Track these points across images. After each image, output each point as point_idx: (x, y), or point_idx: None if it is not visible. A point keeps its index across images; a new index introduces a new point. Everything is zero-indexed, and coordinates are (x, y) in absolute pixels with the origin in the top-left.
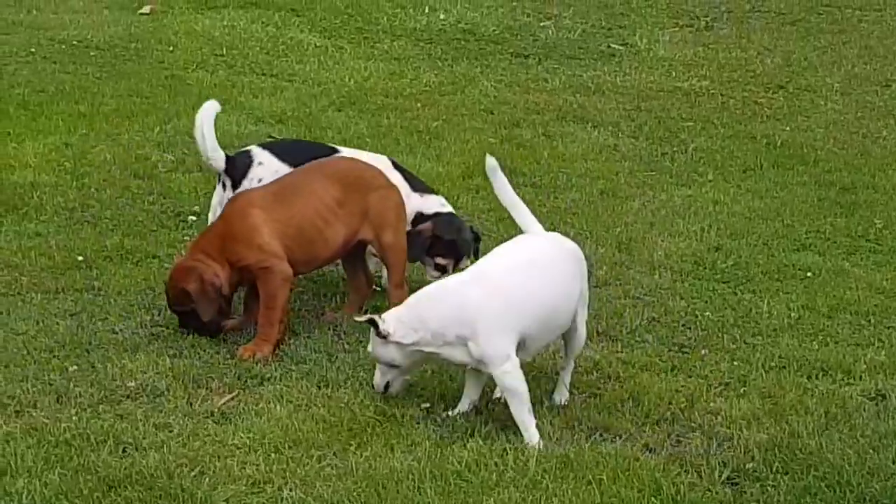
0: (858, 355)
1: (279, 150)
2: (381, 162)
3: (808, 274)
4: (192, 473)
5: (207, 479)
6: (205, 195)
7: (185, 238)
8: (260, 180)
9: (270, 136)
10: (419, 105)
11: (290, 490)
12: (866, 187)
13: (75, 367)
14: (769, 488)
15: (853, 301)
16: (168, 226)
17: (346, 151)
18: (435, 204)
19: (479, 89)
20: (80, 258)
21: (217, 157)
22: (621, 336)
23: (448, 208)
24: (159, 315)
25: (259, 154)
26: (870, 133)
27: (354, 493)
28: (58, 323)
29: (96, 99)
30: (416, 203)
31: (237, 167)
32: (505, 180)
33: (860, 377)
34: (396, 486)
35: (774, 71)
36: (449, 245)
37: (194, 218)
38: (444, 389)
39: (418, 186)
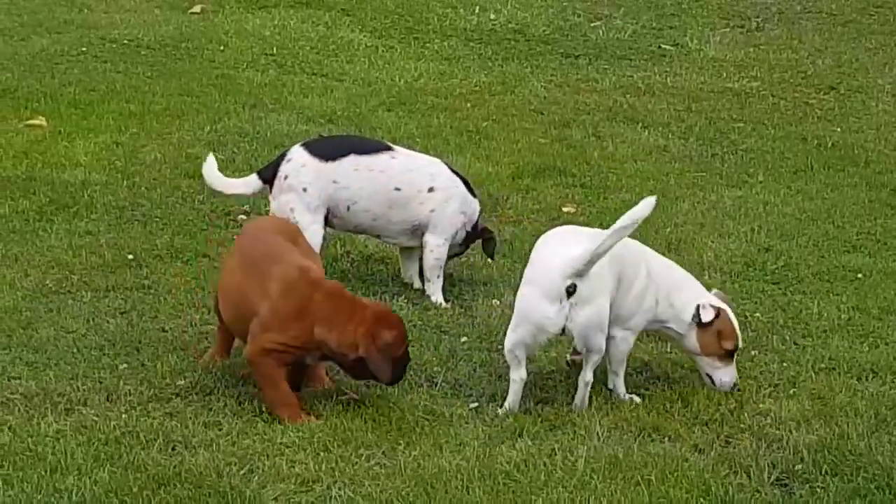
0: None
1: (314, 146)
2: (437, 166)
3: (859, 275)
4: (241, 472)
5: (256, 478)
6: (254, 194)
7: (234, 237)
8: (286, 177)
9: (319, 136)
10: (469, 105)
11: (339, 489)
12: None
13: (125, 366)
14: (818, 490)
15: None
16: (218, 225)
17: (401, 152)
18: None
19: (530, 89)
20: (131, 257)
21: (245, 184)
22: None
23: None
24: (209, 314)
25: (291, 151)
26: None
27: (403, 493)
28: (108, 321)
29: (147, 98)
30: (475, 206)
31: (269, 168)
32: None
33: None
34: (445, 485)
35: (825, 72)
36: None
37: (244, 217)
38: (493, 389)
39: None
